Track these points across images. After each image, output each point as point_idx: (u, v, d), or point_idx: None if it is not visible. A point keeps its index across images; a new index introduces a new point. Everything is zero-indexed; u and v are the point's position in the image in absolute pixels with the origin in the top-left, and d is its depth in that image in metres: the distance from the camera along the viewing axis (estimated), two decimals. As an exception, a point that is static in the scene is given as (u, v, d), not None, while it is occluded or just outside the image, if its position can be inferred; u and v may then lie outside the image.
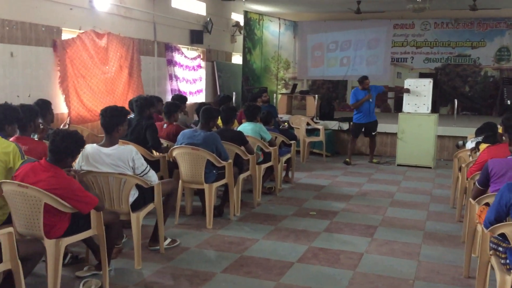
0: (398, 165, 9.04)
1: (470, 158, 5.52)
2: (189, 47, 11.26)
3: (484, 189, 3.56)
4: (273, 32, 14.00)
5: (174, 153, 5.07)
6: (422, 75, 13.23)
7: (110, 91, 8.08)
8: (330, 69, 14.60)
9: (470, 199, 3.70)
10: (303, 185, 7.27)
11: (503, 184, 3.32)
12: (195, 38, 11.04)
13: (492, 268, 3.09)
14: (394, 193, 6.83)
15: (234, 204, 5.41)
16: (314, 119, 10.51)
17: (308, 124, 9.81)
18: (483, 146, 5.06)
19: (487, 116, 12.79)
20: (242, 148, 5.61)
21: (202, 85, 11.95)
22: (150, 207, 4.10)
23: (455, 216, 5.57)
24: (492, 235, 2.93)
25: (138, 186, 3.96)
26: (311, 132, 9.88)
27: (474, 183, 3.70)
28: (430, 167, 8.83)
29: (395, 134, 9.32)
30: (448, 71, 13.66)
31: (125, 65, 8.46)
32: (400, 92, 8.89)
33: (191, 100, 11.27)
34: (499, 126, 6.80)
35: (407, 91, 8.87)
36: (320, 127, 9.61)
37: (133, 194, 3.91)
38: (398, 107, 13.64)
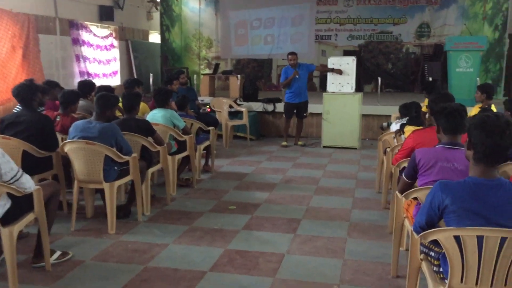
0: (324, 146, 8.76)
1: (395, 141, 5.24)
2: (98, 24, 10.27)
3: (412, 182, 3.20)
4: (192, 8, 13.22)
5: (66, 149, 4.34)
6: (346, 53, 13.04)
7: (1, 75, 7.06)
8: (255, 47, 14.07)
9: (397, 192, 3.34)
10: (224, 174, 6.75)
11: (431, 176, 2.96)
12: (105, 14, 10.09)
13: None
14: (319, 179, 6.48)
15: (142, 203, 4.79)
16: (238, 101, 9.99)
17: (230, 106, 9.27)
18: (408, 129, 4.77)
19: (410, 93, 12.90)
20: (150, 139, 4.97)
21: (116, 66, 11.02)
22: (29, 217, 3.40)
23: (381, 203, 5.29)
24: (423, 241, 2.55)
25: (10, 194, 3.24)
26: (234, 115, 9.36)
27: (401, 176, 3.33)
28: (356, 148, 8.62)
29: (321, 114, 9.02)
30: (371, 48, 13.59)
31: (19, 45, 7.45)
32: (333, 73, 8.51)
33: (106, 82, 10.37)
34: (422, 105, 6.64)
35: (340, 72, 8.53)
36: (243, 109, 9.10)
37: (3, 205, 3.19)
38: (324, 85, 13.47)
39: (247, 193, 5.80)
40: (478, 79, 9.45)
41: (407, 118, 5.18)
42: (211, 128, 6.64)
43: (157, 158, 5.16)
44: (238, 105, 9.62)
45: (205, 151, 6.81)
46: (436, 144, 3.67)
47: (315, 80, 13.68)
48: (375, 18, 13.37)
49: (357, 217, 4.91)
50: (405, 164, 3.76)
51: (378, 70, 13.56)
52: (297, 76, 8.51)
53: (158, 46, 12.00)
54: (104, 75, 10.61)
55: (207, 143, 6.59)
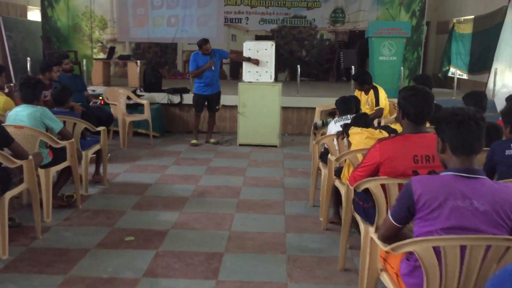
0: (240, 144, 7.61)
1: (337, 147, 4.21)
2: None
3: (402, 227, 2.13)
4: (82, -18, 11.34)
5: None
6: (258, 38, 11.96)
7: None
8: (157, 29, 12.49)
9: (378, 241, 2.26)
10: (121, 186, 5.34)
11: (440, 221, 1.90)
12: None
13: None
14: (240, 189, 5.32)
15: (-6, 245, 3.30)
16: (138, 91, 8.50)
17: (129, 98, 7.77)
18: (355, 132, 3.74)
19: (325, 82, 12.20)
20: (6, 151, 3.47)
21: (-17, 48, 8.97)
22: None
23: (320, 223, 4.25)
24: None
25: None
26: (134, 108, 7.89)
27: (386, 218, 2.24)
28: (276, 146, 7.58)
29: (235, 107, 7.86)
30: (284, 33, 12.65)
31: None
32: (249, 62, 7.36)
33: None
34: (395, 103, 5.71)
35: (257, 62, 7.38)
36: (144, 101, 7.65)
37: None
38: (235, 73, 12.33)
39: (150, 214, 4.47)
40: (402, 68, 8.85)
41: (353, 116, 4.16)
42: (101, 128, 5.17)
43: (20, 175, 3.68)
44: (138, 96, 8.14)
45: (95, 155, 5.35)
46: (412, 159, 2.67)
47: (225, 67, 12.48)
48: (288, 1, 12.44)
49: (294, 245, 3.82)
50: (367, 185, 2.72)
51: (292, 57, 12.69)
52: (212, 68, 7.27)
53: (39, 25, 10.03)
54: (-34, 58, 8.55)
55: (96, 147, 5.13)
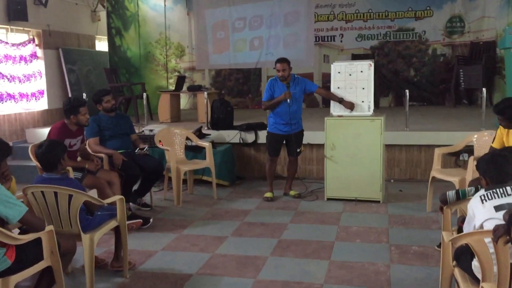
0: (328, 199, 5.71)
1: (494, 255, 2.21)
2: (7, 27, 7.36)
3: None
4: (155, 6, 10.30)
5: None
6: (356, 57, 10.04)
7: None
8: (238, 54, 11.06)
9: None
10: (148, 279, 3.70)
11: None
12: (14, 12, 7.15)
13: None
14: (320, 290, 3.44)
15: None
16: (204, 129, 6.99)
17: (188, 139, 6.26)
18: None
19: (440, 107, 9.87)
20: None
21: (42, 84, 8.10)
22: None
23: None
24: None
25: None
26: (198, 151, 6.37)
27: None
28: (379, 201, 5.55)
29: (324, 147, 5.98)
30: (387, 50, 10.55)
31: None
32: (341, 104, 5.59)
33: (28, 107, 7.57)
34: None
35: (351, 107, 5.53)
36: (205, 144, 6.08)
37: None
38: (329, 100, 10.45)
39: None
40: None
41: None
42: (115, 198, 3.60)
43: None
44: (203, 135, 6.62)
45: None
46: None
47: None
48: (391, 12, 10.36)
49: None
50: None
51: (397, 78, 10.53)
52: (288, 101, 5.52)
53: (107, 56, 9.05)
54: (23, 96, 7.69)
55: (111, 224, 3.56)
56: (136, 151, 5.36)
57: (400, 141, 6.54)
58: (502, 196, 2.48)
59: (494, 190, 2.52)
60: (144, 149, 5.38)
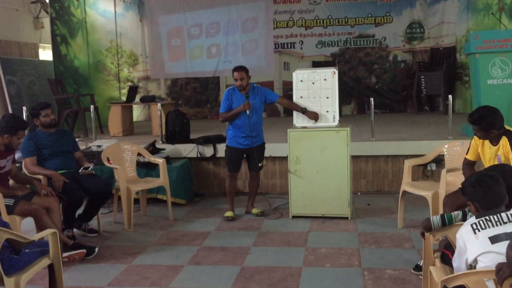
0: (293, 216, 5.31)
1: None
2: None
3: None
4: (104, 12, 9.72)
5: None
6: (316, 64, 9.78)
7: None
8: (195, 62, 10.62)
9: None
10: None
11: None
12: None
13: None
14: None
15: None
16: (158, 143, 6.48)
17: (140, 155, 5.74)
18: None
19: (402, 115, 9.71)
20: None
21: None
22: None
23: None
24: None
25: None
26: (151, 167, 5.85)
27: None
28: (347, 217, 5.20)
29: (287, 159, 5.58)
30: (348, 57, 10.34)
31: None
32: (304, 114, 5.22)
33: None
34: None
35: (315, 117, 5.17)
36: (159, 160, 5.56)
37: None
38: (290, 110, 10.12)
39: None
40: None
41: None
42: (47, 232, 3.07)
43: None
44: (155, 151, 6.10)
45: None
46: None
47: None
48: (351, 18, 10.18)
49: None
50: None
51: (359, 85, 10.33)
52: (247, 112, 5.09)
53: (52, 65, 8.38)
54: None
55: (43, 262, 3.02)
56: (80, 171, 4.80)
57: (366, 152, 6.23)
58: (497, 225, 2.13)
59: (488, 218, 2.17)
60: (89, 169, 4.83)
